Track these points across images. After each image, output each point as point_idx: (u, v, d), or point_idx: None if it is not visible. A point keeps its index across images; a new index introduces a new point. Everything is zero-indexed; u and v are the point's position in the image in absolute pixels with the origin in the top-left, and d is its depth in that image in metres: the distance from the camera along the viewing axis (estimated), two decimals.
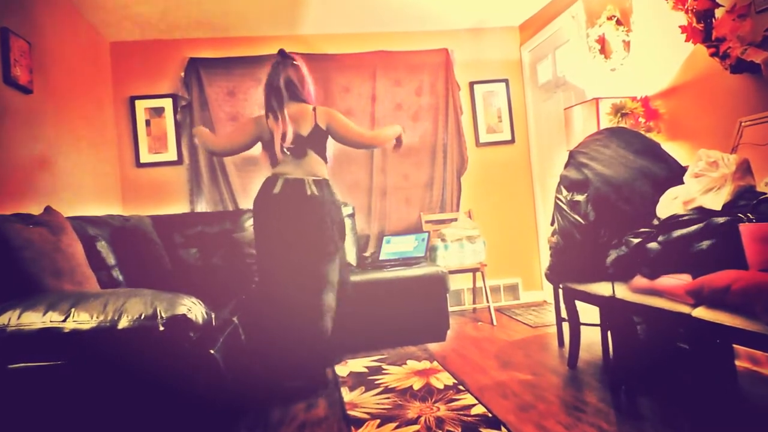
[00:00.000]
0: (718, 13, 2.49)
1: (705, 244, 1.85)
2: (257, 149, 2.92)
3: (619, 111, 3.01)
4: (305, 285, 2.65)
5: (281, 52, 2.84)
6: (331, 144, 2.88)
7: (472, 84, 4.62)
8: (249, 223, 3.75)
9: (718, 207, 1.93)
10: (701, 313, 1.77)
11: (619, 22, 3.28)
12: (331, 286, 2.72)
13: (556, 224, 2.56)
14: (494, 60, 4.67)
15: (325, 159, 2.81)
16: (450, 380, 2.68)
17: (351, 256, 3.84)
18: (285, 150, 2.69)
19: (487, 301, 4.02)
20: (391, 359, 3.13)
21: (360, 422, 2.21)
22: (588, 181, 2.39)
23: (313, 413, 2.38)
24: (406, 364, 3.02)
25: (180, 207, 4.18)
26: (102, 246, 2.56)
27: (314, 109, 2.78)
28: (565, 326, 2.92)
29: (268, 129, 2.73)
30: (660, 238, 2.02)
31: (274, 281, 2.68)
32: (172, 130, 4.19)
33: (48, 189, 2.94)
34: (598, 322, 2.79)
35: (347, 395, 2.56)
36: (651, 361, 2.52)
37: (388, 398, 2.48)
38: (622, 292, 2.19)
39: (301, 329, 2.63)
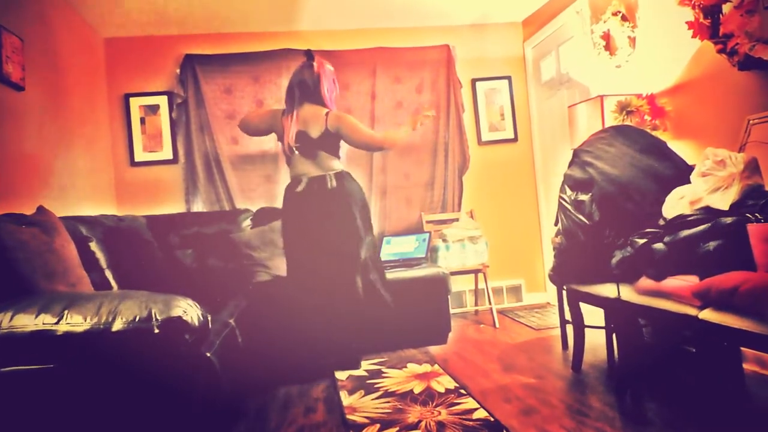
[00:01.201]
0: (726, 8, 2.49)
1: (712, 244, 1.85)
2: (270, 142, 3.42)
3: (624, 109, 3.01)
4: (342, 269, 2.92)
5: (307, 52, 3.04)
6: (344, 145, 3.05)
7: (474, 81, 4.62)
8: (246, 224, 3.75)
9: (725, 207, 1.93)
10: (708, 315, 1.77)
11: (624, 18, 3.28)
12: (358, 269, 2.95)
13: (559, 224, 2.57)
14: (497, 56, 4.67)
15: (338, 157, 3.00)
16: (451, 384, 2.68)
17: None
18: (294, 149, 2.91)
19: (490, 303, 4.02)
20: (391, 362, 3.14)
21: (359, 427, 2.21)
22: (592, 180, 2.39)
23: (311, 418, 2.38)
24: (406, 367, 3.02)
25: (175, 207, 4.18)
26: (95, 247, 2.56)
27: (327, 114, 2.93)
28: (569, 329, 2.92)
29: (282, 125, 2.96)
30: (666, 239, 2.02)
31: (306, 272, 2.94)
32: (167, 128, 4.19)
33: (41, 188, 2.94)
34: (603, 324, 2.80)
35: (346, 399, 2.56)
36: (657, 364, 2.52)
37: (388, 402, 2.48)
38: (627, 293, 2.19)
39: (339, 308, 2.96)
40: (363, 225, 2.95)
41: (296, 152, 2.91)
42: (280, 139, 3.02)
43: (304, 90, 2.96)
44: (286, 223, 3.01)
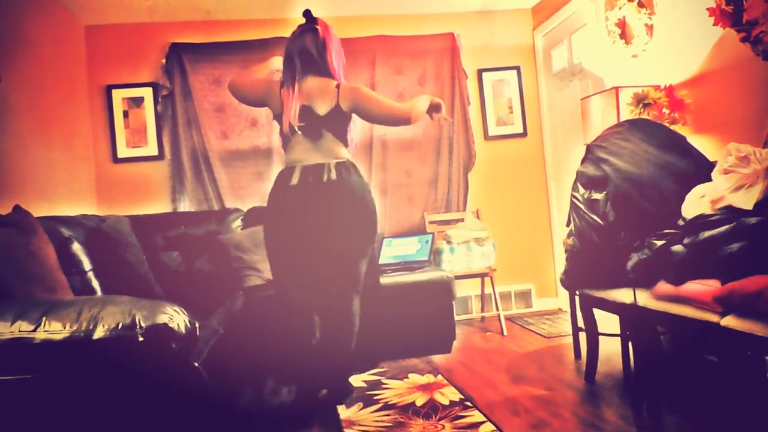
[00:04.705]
0: None
1: (735, 246, 1.85)
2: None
3: (641, 101, 3.01)
4: (332, 288, 2.56)
5: (306, 13, 2.67)
6: (354, 127, 2.72)
7: (480, 72, 4.62)
8: (236, 224, 3.75)
9: (749, 206, 1.93)
10: (730, 321, 1.77)
11: (641, 4, 3.28)
12: (358, 289, 2.63)
13: (572, 225, 2.57)
14: (505, 46, 4.67)
15: (346, 142, 2.65)
16: (456, 395, 2.68)
17: None
18: (295, 128, 2.55)
19: (497, 309, 4.03)
20: (391, 373, 3.14)
21: None
22: (607, 177, 2.39)
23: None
24: (407, 377, 3.03)
25: (161, 206, 4.18)
26: (76, 249, 2.56)
27: (338, 86, 2.58)
28: (582, 336, 2.92)
29: (280, 99, 2.60)
30: (686, 241, 2.02)
31: (293, 285, 2.58)
32: (152, 122, 4.20)
33: (16, 186, 2.94)
34: (618, 332, 2.80)
35: (344, 412, 2.56)
36: (675, 374, 2.52)
37: (389, 415, 2.49)
38: (644, 299, 2.19)
39: (329, 336, 2.60)
40: (363, 231, 2.57)
41: (298, 132, 2.54)
42: (277, 117, 2.64)
43: (307, 60, 2.57)
44: (272, 224, 2.62)
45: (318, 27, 2.61)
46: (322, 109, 2.55)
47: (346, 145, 2.64)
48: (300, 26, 2.64)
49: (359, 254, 2.57)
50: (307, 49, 2.58)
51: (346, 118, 2.60)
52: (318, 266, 2.53)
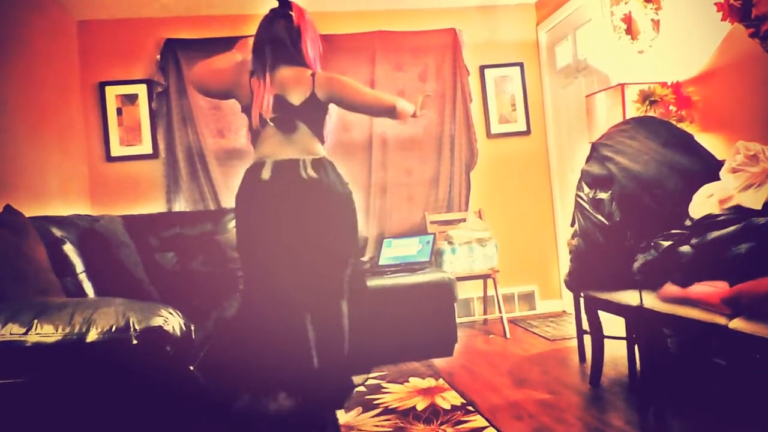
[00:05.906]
0: None
1: (744, 247, 1.85)
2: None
3: (647, 98, 3.01)
4: (313, 294, 2.41)
5: None
6: (329, 121, 2.55)
7: (482, 68, 4.62)
8: (233, 224, 3.75)
9: (758, 206, 1.93)
10: (739, 324, 1.77)
11: None
12: (343, 293, 2.48)
13: (576, 225, 2.57)
14: (508, 41, 4.67)
15: (321, 137, 2.46)
16: (458, 400, 2.68)
17: None
18: (267, 120, 2.37)
19: (500, 312, 4.02)
20: (391, 376, 3.14)
21: None
22: (612, 176, 2.39)
23: None
24: (408, 381, 3.03)
25: (156, 206, 4.18)
26: (68, 249, 2.56)
27: (313, 75, 2.42)
28: (587, 339, 2.92)
29: (249, 89, 2.43)
30: (693, 241, 2.02)
31: (265, 291, 2.43)
32: (146, 119, 4.19)
33: (7, 186, 2.94)
34: (624, 334, 2.80)
35: (343, 417, 2.56)
36: (683, 377, 2.52)
37: (389, 420, 2.49)
38: (650, 301, 2.19)
39: (322, 337, 2.46)
40: (347, 233, 2.43)
41: (270, 124, 2.36)
42: (245, 109, 2.46)
43: (280, 49, 2.41)
44: (242, 224, 2.43)
45: (292, 13, 2.44)
46: (296, 98, 2.39)
47: (322, 141, 2.45)
48: (272, 10, 2.48)
49: (342, 261, 2.43)
50: (279, 37, 2.42)
51: (322, 109, 2.44)
52: (298, 273, 2.37)
